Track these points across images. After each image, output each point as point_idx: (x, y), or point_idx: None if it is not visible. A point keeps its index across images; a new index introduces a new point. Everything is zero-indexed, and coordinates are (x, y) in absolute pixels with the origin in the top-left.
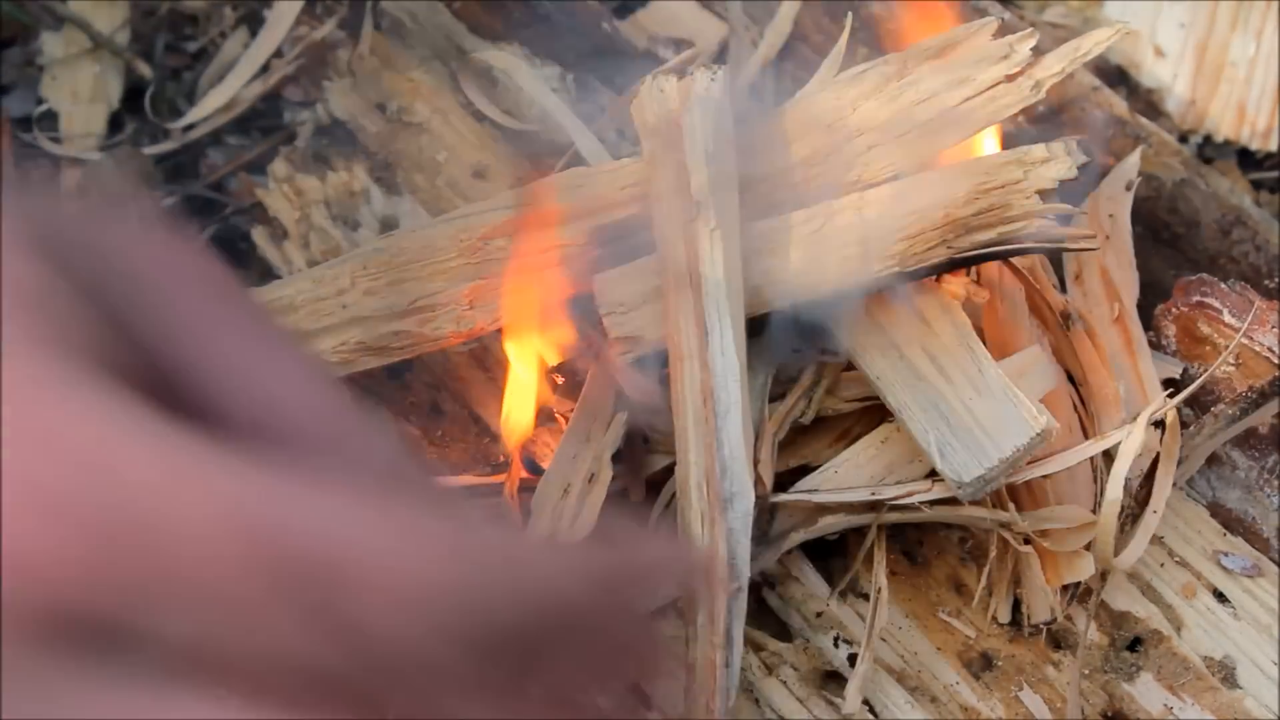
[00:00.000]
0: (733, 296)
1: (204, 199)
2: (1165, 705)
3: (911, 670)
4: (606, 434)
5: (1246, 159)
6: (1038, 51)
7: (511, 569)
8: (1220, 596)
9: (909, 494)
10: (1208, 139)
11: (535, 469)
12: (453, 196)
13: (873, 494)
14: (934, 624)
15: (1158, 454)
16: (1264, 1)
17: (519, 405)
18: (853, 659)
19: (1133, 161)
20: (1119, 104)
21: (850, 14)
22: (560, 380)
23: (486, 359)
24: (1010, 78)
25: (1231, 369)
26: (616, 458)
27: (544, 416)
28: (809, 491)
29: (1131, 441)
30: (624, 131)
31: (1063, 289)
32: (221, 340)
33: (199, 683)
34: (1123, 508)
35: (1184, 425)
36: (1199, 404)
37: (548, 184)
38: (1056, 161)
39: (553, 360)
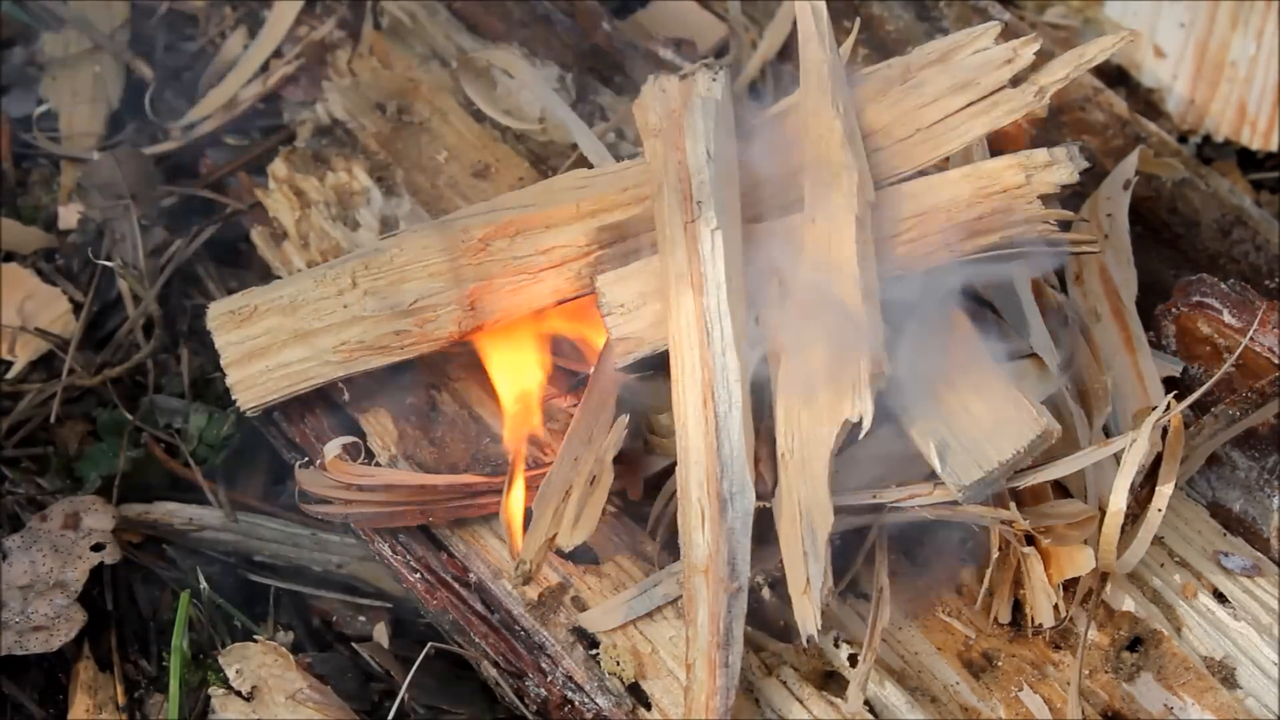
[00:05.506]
0: (733, 296)
1: (204, 199)
2: (1165, 705)
3: (911, 670)
4: (608, 436)
5: (1246, 159)
6: (1041, 54)
7: None
8: (1220, 596)
9: (909, 497)
10: (1208, 139)
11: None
12: (453, 196)
13: (874, 496)
14: (934, 624)
15: (1159, 453)
16: (1264, 1)
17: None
18: (853, 659)
19: (1131, 161)
20: (1119, 104)
21: (858, 17)
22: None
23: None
24: (1014, 82)
25: (1231, 369)
26: (617, 458)
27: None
28: None
29: (1135, 451)
30: (624, 132)
31: (1063, 289)
32: None
33: None
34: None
35: (1184, 425)
36: (1199, 404)
37: (550, 185)
38: (1059, 166)
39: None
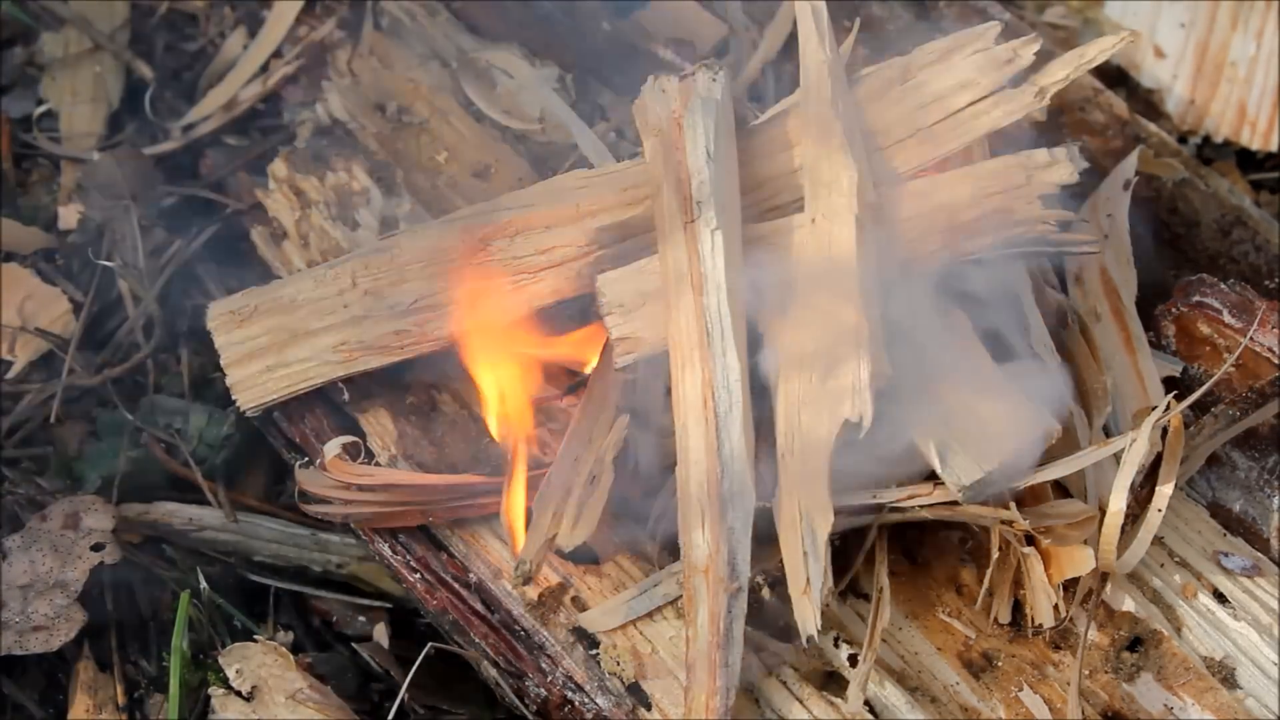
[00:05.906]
0: (733, 296)
1: (204, 199)
2: (1165, 705)
3: (911, 670)
4: (608, 437)
5: (1246, 159)
6: (1040, 54)
7: None
8: (1220, 597)
9: (909, 497)
10: (1207, 139)
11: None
12: (453, 196)
13: (874, 496)
14: (934, 624)
15: (1159, 453)
16: (1264, 1)
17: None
18: (853, 659)
19: (1131, 161)
20: (1119, 105)
21: (858, 17)
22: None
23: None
24: (1014, 83)
25: (1231, 369)
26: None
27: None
28: None
29: (1135, 451)
30: (624, 132)
31: (1063, 289)
32: None
33: None
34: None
35: (1184, 425)
36: (1198, 404)
37: (550, 185)
38: (1059, 166)
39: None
